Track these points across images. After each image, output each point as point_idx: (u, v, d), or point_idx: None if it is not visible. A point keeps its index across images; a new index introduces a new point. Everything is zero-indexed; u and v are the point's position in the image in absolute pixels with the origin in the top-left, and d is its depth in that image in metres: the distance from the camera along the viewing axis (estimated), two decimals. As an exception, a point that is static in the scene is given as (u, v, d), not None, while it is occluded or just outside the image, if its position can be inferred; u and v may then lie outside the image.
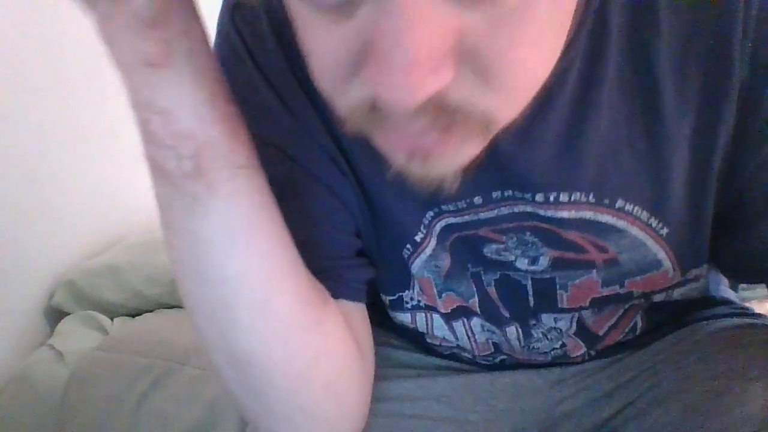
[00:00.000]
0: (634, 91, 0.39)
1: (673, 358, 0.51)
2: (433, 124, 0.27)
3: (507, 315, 0.48)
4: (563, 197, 0.42)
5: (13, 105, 0.95)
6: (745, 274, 0.48)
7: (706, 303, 0.57)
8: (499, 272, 0.47)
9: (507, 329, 0.50)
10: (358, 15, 0.25)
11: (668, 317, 0.54)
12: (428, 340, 0.54)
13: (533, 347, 0.51)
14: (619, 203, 0.43)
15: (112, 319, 0.96)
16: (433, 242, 0.46)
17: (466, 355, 0.54)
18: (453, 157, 0.30)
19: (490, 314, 0.49)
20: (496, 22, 0.25)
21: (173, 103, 0.32)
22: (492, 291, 0.47)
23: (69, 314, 0.98)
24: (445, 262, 0.47)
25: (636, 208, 0.43)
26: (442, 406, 0.52)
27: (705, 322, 0.54)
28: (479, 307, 0.49)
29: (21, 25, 0.97)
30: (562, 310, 0.48)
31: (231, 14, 0.43)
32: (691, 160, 0.41)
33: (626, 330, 0.52)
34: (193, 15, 0.32)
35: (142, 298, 0.97)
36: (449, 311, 0.50)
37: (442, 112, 0.27)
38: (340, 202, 0.44)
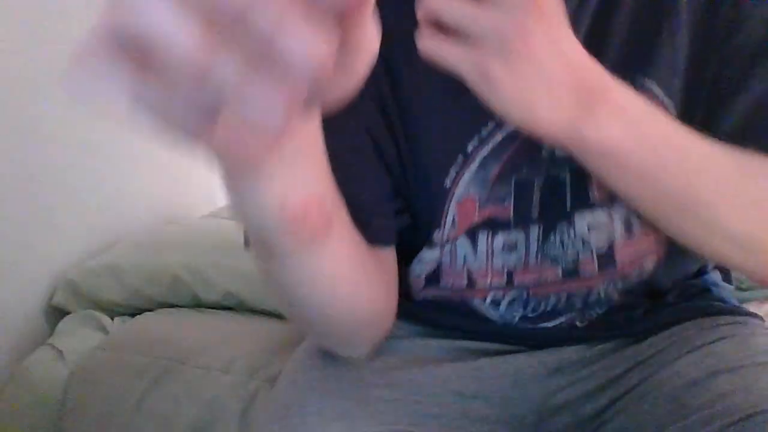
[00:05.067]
0: None
1: (665, 353, 0.53)
2: None
3: (536, 216, 0.51)
4: None
5: (14, 105, 0.95)
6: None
7: (702, 298, 0.59)
8: (543, 175, 0.51)
9: (531, 229, 0.52)
10: None
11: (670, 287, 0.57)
12: (441, 283, 0.55)
13: (548, 254, 0.52)
14: (639, 80, 0.48)
15: (112, 319, 0.96)
16: (484, 150, 0.50)
17: (476, 303, 0.55)
18: None
19: (520, 215, 0.51)
20: None
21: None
22: (536, 194, 0.51)
23: (69, 313, 0.98)
24: (494, 171, 0.50)
25: (654, 86, 0.49)
26: (448, 393, 0.54)
27: (698, 319, 0.56)
28: (513, 208, 0.51)
29: (23, 25, 0.97)
30: (594, 206, 0.50)
31: None
32: (694, 40, 0.48)
33: (639, 267, 0.54)
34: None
35: (142, 297, 0.97)
36: (480, 222, 0.52)
37: None
38: (377, 146, 0.50)
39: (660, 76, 0.48)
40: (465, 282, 0.54)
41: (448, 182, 0.51)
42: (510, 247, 0.53)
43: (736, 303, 0.62)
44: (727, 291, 0.63)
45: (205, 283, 0.97)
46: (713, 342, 0.52)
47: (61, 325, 0.96)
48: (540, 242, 0.52)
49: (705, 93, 0.49)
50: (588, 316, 0.56)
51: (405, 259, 0.55)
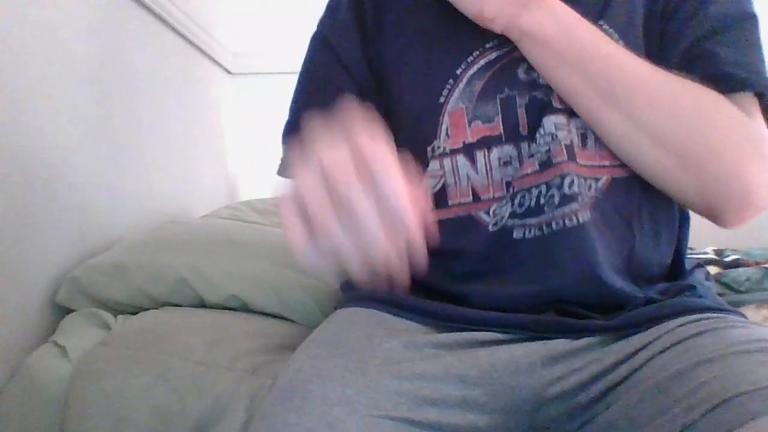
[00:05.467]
0: None
1: (651, 346, 0.57)
2: None
3: (525, 132, 0.64)
4: None
5: (19, 106, 0.95)
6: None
7: (686, 295, 0.65)
8: (528, 95, 0.64)
9: (522, 146, 0.64)
10: None
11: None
12: (449, 203, 0.66)
13: (532, 154, 0.63)
14: (598, 24, 0.63)
15: (115, 317, 0.96)
16: (470, 72, 0.65)
17: (480, 214, 0.65)
18: None
19: (510, 130, 0.64)
20: None
21: None
22: (522, 113, 0.63)
23: (73, 311, 0.98)
24: (478, 87, 0.65)
25: (611, 30, 0.64)
26: (450, 379, 0.56)
27: (682, 315, 0.61)
28: (503, 124, 0.64)
29: (22, 24, 0.98)
30: (556, 110, 0.63)
31: None
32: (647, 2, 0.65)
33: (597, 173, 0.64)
34: None
35: (146, 296, 0.97)
36: (475, 141, 0.65)
37: None
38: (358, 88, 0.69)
39: (616, 23, 0.64)
40: (470, 198, 0.65)
41: (441, 99, 0.65)
42: (506, 162, 0.64)
43: (718, 300, 0.67)
44: (708, 289, 0.69)
45: (209, 284, 0.97)
46: (695, 335, 0.56)
47: (64, 322, 0.96)
48: (529, 154, 0.63)
49: (656, 41, 0.65)
50: (565, 214, 0.62)
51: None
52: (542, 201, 0.62)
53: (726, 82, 0.61)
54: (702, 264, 0.76)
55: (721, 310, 0.63)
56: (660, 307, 0.62)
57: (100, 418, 0.79)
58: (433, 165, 0.66)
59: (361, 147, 0.40)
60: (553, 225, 0.62)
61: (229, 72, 2.03)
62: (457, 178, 0.65)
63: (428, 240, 0.43)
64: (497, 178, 0.64)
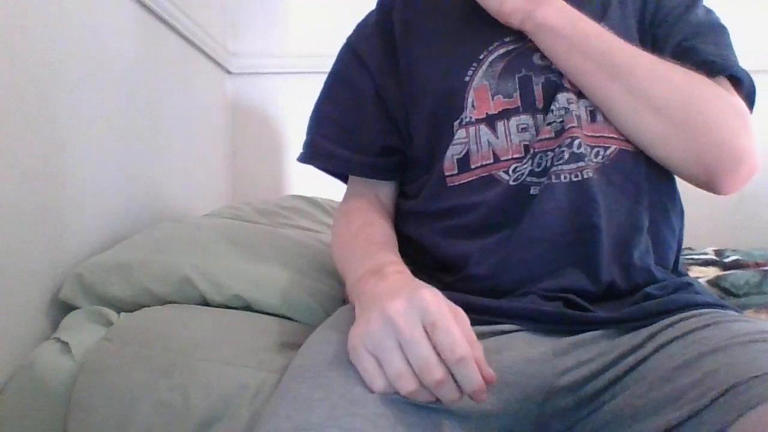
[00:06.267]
0: None
1: (656, 339, 0.60)
2: None
3: (540, 106, 0.73)
4: None
5: (25, 106, 0.95)
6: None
7: (684, 292, 0.67)
8: (543, 76, 0.74)
9: (537, 116, 0.73)
10: None
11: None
12: (472, 166, 0.74)
13: (549, 123, 0.71)
14: (602, 23, 0.74)
15: (119, 315, 0.96)
16: (491, 57, 0.76)
17: (500, 173, 0.73)
18: None
19: (527, 104, 0.74)
20: None
21: None
22: (539, 90, 0.74)
23: (76, 308, 0.98)
24: (499, 67, 0.76)
25: (611, 30, 0.73)
26: None
27: (684, 310, 0.63)
28: (520, 98, 0.74)
29: (21, 24, 0.98)
30: (567, 89, 0.73)
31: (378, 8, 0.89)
32: (638, 7, 0.79)
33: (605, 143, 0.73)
34: None
35: (150, 295, 0.97)
36: (497, 112, 0.74)
37: None
38: (379, 96, 0.83)
39: (615, 24, 0.76)
40: (491, 159, 0.73)
41: (467, 78, 0.76)
42: (523, 128, 0.73)
43: (716, 297, 0.70)
44: (704, 288, 0.73)
45: (213, 284, 0.96)
46: (700, 328, 0.58)
47: (66, 319, 0.95)
48: (546, 123, 0.71)
49: (650, 46, 0.76)
50: (572, 170, 0.70)
51: (440, 155, 0.77)
52: (555, 161, 0.70)
53: (708, 68, 0.72)
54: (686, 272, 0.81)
55: (720, 306, 0.66)
56: (662, 303, 0.64)
57: (104, 414, 0.79)
58: (460, 134, 0.75)
59: (425, 301, 0.51)
60: (562, 177, 0.69)
61: (229, 72, 2.03)
62: (479, 145, 0.74)
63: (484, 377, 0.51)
64: (516, 142, 0.72)
